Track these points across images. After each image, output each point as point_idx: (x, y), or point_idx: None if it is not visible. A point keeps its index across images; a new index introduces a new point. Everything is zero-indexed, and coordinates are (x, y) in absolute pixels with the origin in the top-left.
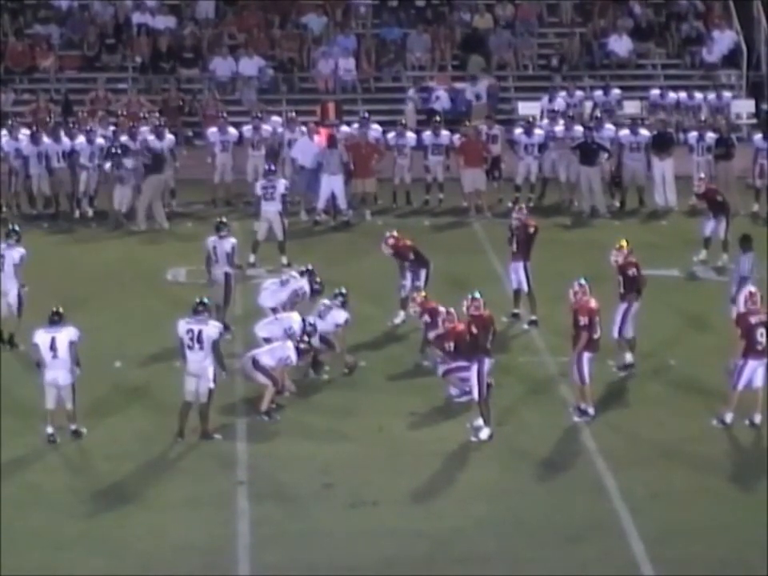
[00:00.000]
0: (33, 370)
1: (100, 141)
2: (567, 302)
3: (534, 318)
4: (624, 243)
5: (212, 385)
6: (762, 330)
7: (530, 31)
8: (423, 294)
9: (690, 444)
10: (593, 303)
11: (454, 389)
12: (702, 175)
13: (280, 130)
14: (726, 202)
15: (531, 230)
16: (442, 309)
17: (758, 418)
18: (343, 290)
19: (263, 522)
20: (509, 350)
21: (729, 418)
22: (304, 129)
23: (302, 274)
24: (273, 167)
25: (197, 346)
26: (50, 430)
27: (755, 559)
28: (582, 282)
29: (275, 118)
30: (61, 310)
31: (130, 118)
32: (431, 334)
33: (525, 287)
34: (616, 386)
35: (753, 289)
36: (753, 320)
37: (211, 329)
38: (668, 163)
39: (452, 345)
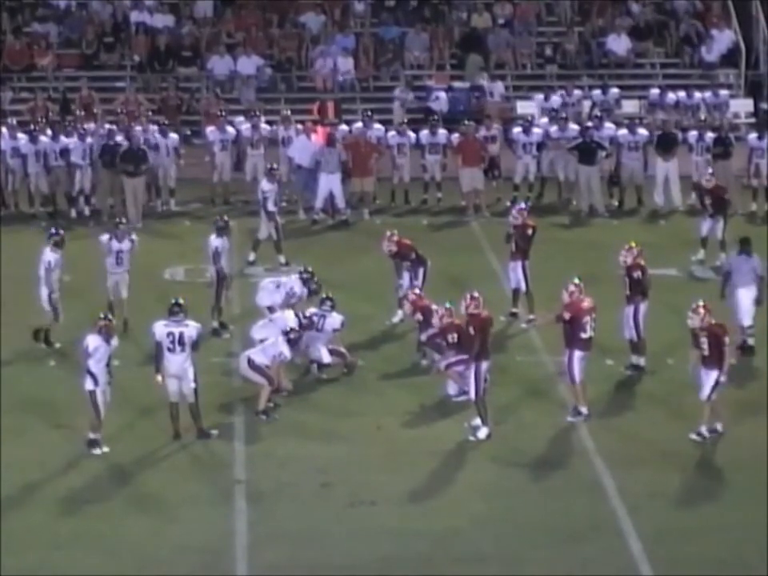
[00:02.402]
0: (33, 371)
1: (90, 139)
2: (561, 300)
3: (531, 317)
4: (633, 244)
5: (193, 384)
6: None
7: (528, 30)
8: (417, 292)
9: (688, 444)
10: (585, 303)
11: (452, 388)
12: (711, 170)
13: (273, 128)
14: (728, 202)
15: (530, 231)
16: (435, 307)
17: (704, 428)
18: (329, 295)
19: (261, 521)
20: (507, 349)
21: (719, 426)
22: (300, 127)
23: (301, 277)
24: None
25: (178, 348)
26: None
27: (754, 559)
28: (577, 281)
29: (264, 121)
30: (108, 317)
31: (128, 117)
32: (423, 336)
33: (523, 286)
34: (614, 385)
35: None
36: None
37: (191, 329)
38: (673, 164)
39: (455, 336)
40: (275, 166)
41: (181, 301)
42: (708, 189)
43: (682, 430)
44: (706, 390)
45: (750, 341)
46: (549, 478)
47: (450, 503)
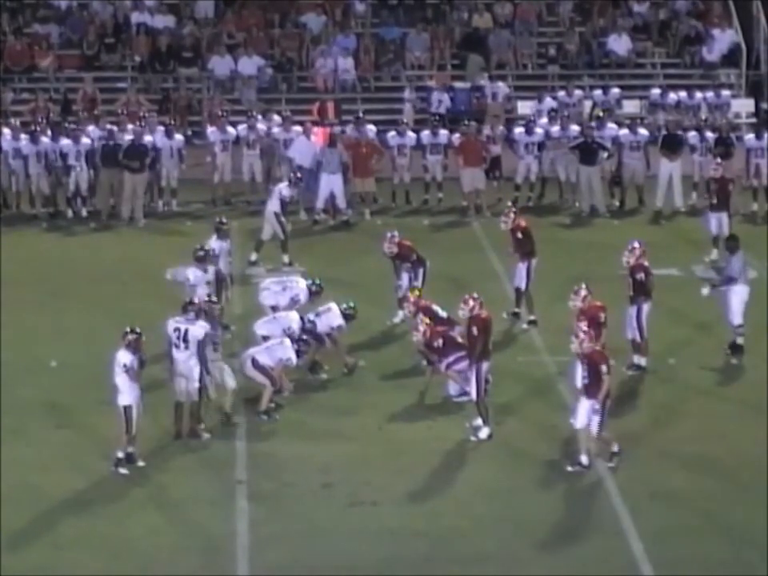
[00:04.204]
0: (33, 371)
1: (86, 140)
2: (573, 307)
3: (532, 317)
4: (636, 245)
5: (197, 384)
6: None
7: (529, 30)
8: (417, 293)
9: (689, 444)
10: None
11: (452, 388)
12: (720, 160)
13: (275, 129)
14: (730, 194)
15: (519, 234)
16: (436, 307)
17: (585, 460)
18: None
19: (262, 521)
20: (508, 349)
21: (616, 447)
22: (299, 128)
23: (309, 288)
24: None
25: (183, 345)
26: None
27: (755, 559)
28: (585, 286)
29: (276, 117)
30: (136, 331)
31: (129, 117)
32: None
33: (523, 286)
34: (615, 385)
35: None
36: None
37: (197, 329)
38: (677, 164)
39: (441, 342)
40: (299, 174)
41: (195, 299)
42: (715, 178)
43: (683, 430)
44: (580, 419)
45: (740, 340)
46: (550, 478)
47: (450, 503)
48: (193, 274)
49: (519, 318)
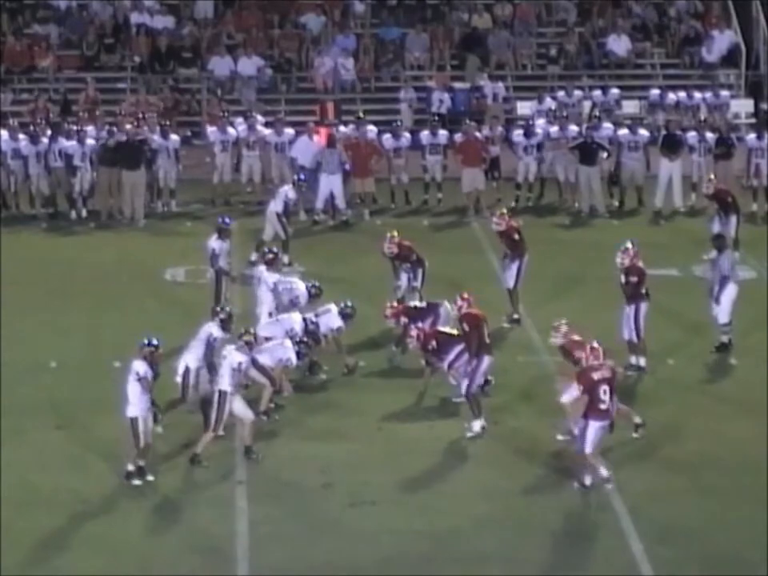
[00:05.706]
0: (33, 372)
1: (91, 141)
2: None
3: (516, 316)
4: (629, 245)
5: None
6: (605, 387)
7: (528, 31)
8: (389, 306)
9: (689, 443)
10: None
11: (452, 381)
12: (713, 176)
13: (267, 131)
14: (736, 201)
15: (515, 234)
16: (412, 303)
17: (588, 480)
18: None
19: (262, 521)
20: (508, 349)
21: (588, 480)
22: (291, 131)
23: (308, 290)
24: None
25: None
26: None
27: (755, 558)
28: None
29: (259, 117)
30: (152, 343)
31: (133, 117)
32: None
33: (511, 284)
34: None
35: (595, 344)
36: (596, 376)
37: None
38: (677, 165)
39: (435, 343)
40: (302, 176)
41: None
42: (710, 195)
43: (682, 430)
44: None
45: (724, 338)
46: (549, 477)
47: (450, 503)
48: (275, 278)
49: (520, 323)
